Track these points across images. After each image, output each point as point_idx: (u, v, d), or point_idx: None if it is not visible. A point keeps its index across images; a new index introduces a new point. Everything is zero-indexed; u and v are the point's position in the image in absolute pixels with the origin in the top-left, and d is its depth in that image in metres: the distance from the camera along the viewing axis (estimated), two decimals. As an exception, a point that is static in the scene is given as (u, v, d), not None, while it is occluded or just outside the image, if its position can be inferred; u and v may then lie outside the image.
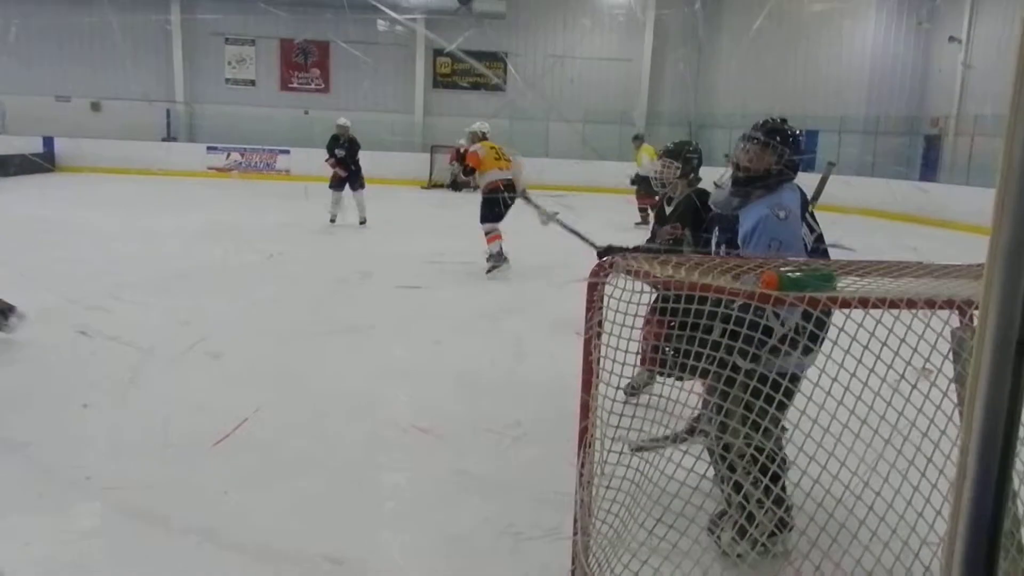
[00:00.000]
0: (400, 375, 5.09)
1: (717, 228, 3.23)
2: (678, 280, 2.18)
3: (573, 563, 2.35)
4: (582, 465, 2.26)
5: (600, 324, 2.32)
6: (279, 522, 3.13)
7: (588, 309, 2.28)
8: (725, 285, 2.12)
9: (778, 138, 2.96)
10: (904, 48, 19.08)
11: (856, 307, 2.05)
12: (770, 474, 2.29)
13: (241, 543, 2.96)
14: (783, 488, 2.53)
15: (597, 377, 2.31)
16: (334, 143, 12.01)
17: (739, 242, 2.90)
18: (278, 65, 22.16)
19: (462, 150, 17.62)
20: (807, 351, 2.37)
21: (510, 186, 8.23)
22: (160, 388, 4.66)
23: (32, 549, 2.80)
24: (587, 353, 2.29)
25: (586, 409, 2.30)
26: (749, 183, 2.96)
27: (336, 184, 11.99)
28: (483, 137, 8.79)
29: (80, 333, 5.51)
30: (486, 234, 8.38)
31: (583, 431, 2.28)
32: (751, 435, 2.23)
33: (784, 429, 2.40)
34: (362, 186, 12.07)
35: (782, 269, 2.19)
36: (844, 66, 19.43)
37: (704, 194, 4.22)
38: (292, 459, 3.73)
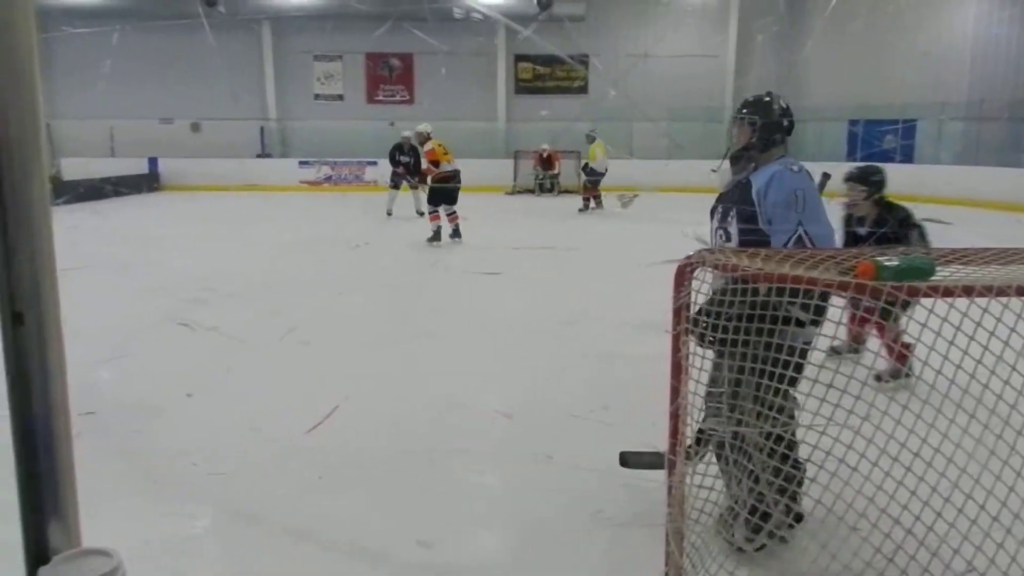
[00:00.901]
0: (484, 363, 5.25)
1: (720, 209, 3.06)
2: (767, 272, 2.12)
3: (667, 563, 2.31)
4: (672, 461, 2.22)
5: (688, 319, 2.28)
6: (369, 506, 3.23)
7: (676, 303, 2.24)
8: (818, 276, 2.05)
9: (751, 110, 2.98)
10: (1008, 28, 18.05)
11: (960, 295, 1.95)
12: (789, 462, 2.24)
13: (332, 526, 3.07)
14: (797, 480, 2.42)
15: (686, 373, 2.28)
16: (397, 151, 14.01)
17: (753, 199, 2.82)
18: (364, 79, 22.72)
19: (545, 154, 17.74)
20: (815, 324, 2.38)
21: (456, 176, 10.68)
22: (256, 377, 4.97)
23: (142, 532, 2.97)
24: (675, 348, 2.25)
25: (676, 408, 2.26)
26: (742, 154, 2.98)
27: (396, 183, 13.93)
28: (428, 136, 11.19)
29: (183, 325, 5.94)
30: (431, 213, 10.72)
31: (674, 427, 2.24)
32: (766, 420, 2.18)
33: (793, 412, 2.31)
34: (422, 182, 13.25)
35: (878, 258, 2.10)
36: (943, 50, 18.52)
37: (890, 206, 4.73)
38: (380, 445, 3.86)
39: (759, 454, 2.27)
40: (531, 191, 19.45)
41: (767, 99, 3.03)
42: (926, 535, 1.89)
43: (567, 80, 22.37)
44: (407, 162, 13.80)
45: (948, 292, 1.98)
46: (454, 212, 10.73)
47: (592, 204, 15.34)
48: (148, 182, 20.07)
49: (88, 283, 7.36)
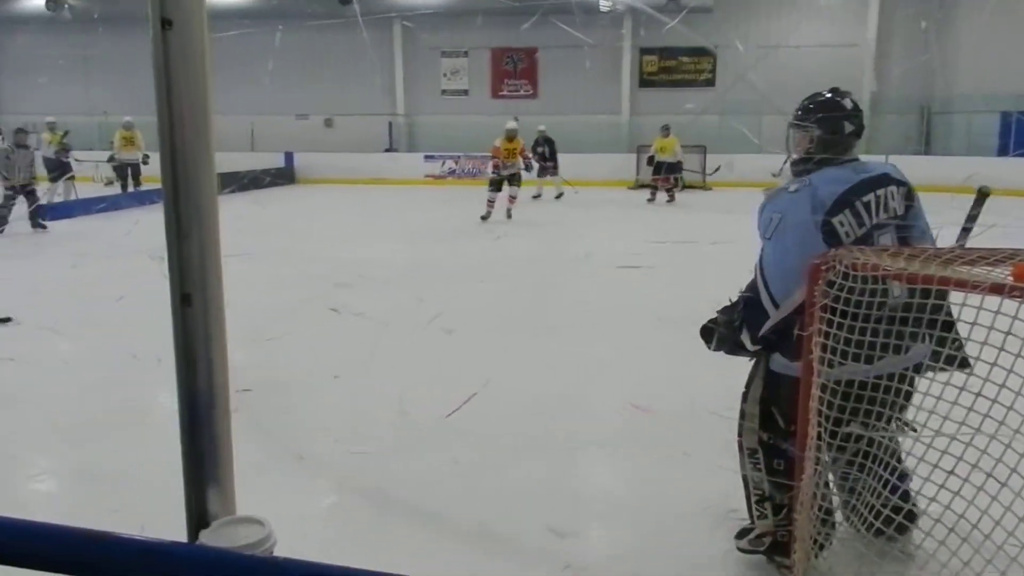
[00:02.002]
0: (622, 355, 5.30)
1: None
2: (911, 273, 2.02)
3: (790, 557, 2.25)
4: (801, 458, 2.17)
5: (823, 320, 2.21)
6: (503, 493, 3.31)
7: (809, 302, 2.18)
8: (967, 277, 1.94)
9: (813, 116, 2.62)
10: None
11: None
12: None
13: (467, 510, 3.16)
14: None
15: (817, 376, 2.21)
16: (535, 144, 15.68)
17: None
18: (489, 74, 23.05)
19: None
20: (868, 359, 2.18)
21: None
22: (399, 361, 5.19)
23: (287, 505, 3.15)
24: (807, 349, 2.18)
25: (805, 408, 2.20)
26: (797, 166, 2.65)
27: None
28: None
29: (332, 311, 6.29)
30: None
31: (803, 428, 2.18)
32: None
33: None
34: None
35: (1037, 260, 1.96)
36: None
37: None
38: (515, 433, 3.96)
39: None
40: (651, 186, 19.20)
41: (828, 99, 2.68)
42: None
43: (693, 73, 21.91)
44: (542, 152, 15.91)
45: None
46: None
47: (664, 196, 16.26)
48: (285, 175, 21.11)
49: (246, 269, 7.84)
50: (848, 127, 2.59)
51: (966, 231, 2.58)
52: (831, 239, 2.37)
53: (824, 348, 2.17)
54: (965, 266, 2.04)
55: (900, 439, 2.39)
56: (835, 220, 2.40)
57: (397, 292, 7.29)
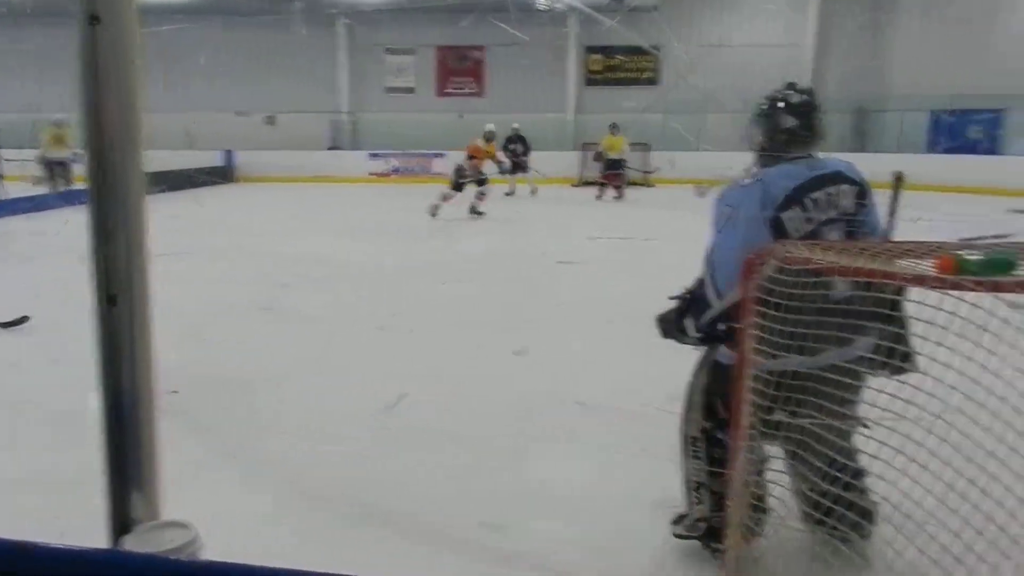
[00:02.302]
0: (565, 351, 5.29)
1: None
2: (841, 266, 2.08)
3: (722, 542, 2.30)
4: (735, 447, 2.21)
5: (757, 312, 2.25)
6: (437, 490, 3.31)
7: (743, 296, 2.22)
8: (893, 270, 2.00)
9: (765, 112, 2.66)
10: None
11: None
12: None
13: (409, 507, 3.15)
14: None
15: (750, 368, 2.25)
16: (509, 142, 16.44)
17: None
18: (435, 72, 22.97)
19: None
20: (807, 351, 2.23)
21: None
22: (336, 360, 5.12)
23: (219, 507, 3.06)
24: (742, 342, 2.23)
25: (738, 398, 2.24)
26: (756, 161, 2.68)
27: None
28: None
29: (267, 309, 6.19)
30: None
31: (736, 418, 2.22)
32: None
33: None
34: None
35: (960, 252, 2.04)
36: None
37: None
38: (449, 430, 3.93)
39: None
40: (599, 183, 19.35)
41: (778, 95, 2.69)
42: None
43: (637, 71, 22.15)
44: (514, 148, 16.60)
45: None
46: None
47: (607, 192, 16.47)
48: (223, 173, 20.69)
49: (184, 268, 7.67)
50: (792, 122, 2.59)
51: (891, 216, 2.64)
52: (779, 234, 2.41)
53: (760, 340, 2.21)
54: (893, 259, 2.10)
55: (854, 436, 2.45)
56: (784, 216, 2.44)
57: (340, 291, 7.24)
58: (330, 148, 22.68)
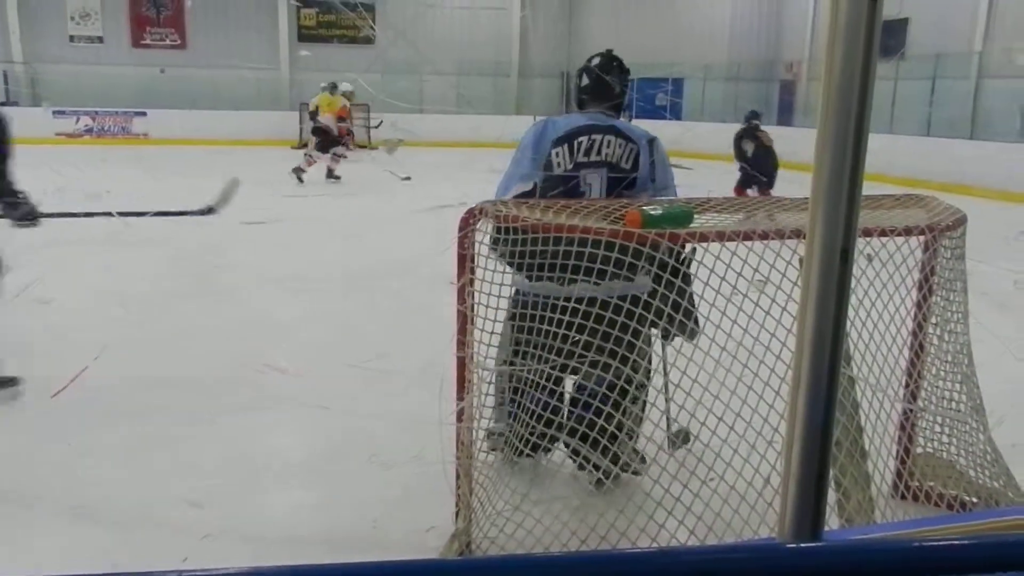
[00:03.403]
0: (257, 317, 5.07)
1: None
2: (546, 223, 2.22)
3: (457, 503, 2.39)
4: (460, 402, 2.30)
5: (472, 271, 2.34)
6: (130, 470, 3.05)
7: (460, 256, 2.29)
8: (591, 225, 2.18)
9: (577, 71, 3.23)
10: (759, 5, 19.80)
11: (714, 240, 2.15)
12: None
13: (92, 494, 2.87)
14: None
15: (471, 323, 2.34)
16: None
17: None
18: (128, 20, 20.70)
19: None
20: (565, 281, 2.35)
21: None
22: None
23: None
24: (460, 299, 2.30)
25: (462, 355, 2.32)
26: None
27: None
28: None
29: None
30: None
31: (460, 374, 2.30)
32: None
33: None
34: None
35: (644, 208, 2.26)
36: (707, 13, 20.00)
37: None
38: (139, 404, 3.61)
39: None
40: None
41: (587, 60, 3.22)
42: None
43: (352, 29, 21.68)
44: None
45: (704, 237, 2.19)
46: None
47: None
48: None
49: None
50: (585, 81, 3.10)
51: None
52: (547, 167, 2.89)
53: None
54: (590, 215, 2.29)
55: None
56: (554, 150, 2.90)
57: None
58: (2, 104, 19.60)
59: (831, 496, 1.88)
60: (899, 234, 2.16)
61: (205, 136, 17.43)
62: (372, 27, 21.49)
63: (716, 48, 19.63)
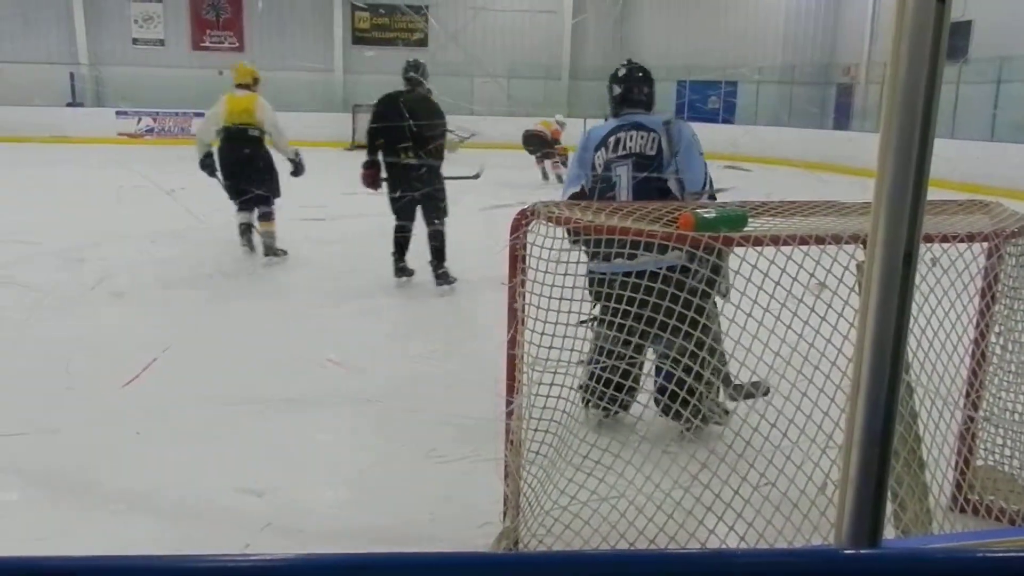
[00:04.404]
0: (316, 315, 5.15)
1: None
2: (598, 225, 2.22)
3: (505, 502, 2.40)
4: (511, 403, 2.31)
5: (524, 271, 2.35)
6: (195, 458, 3.12)
7: (512, 256, 2.30)
8: (644, 227, 2.17)
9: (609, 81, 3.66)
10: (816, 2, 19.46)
11: (768, 244, 2.12)
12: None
13: (158, 483, 2.93)
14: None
15: (523, 324, 2.35)
16: None
17: None
18: (188, 23, 21.25)
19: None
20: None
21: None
22: (59, 329, 4.62)
23: None
24: (511, 301, 2.32)
25: (512, 353, 2.34)
26: None
27: None
28: None
29: None
30: None
31: (510, 371, 2.32)
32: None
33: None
34: None
35: (698, 211, 2.25)
36: (760, 15, 19.72)
37: None
38: (202, 395, 3.70)
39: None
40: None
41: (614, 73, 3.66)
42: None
43: (406, 32, 21.90)
44: None
45: (758, 241, 2.16)
46: None
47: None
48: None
49: None
50: (616, 90, 3.58)
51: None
52: (592, 168, 3.42)
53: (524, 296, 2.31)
54: (642, 218, 2.28)
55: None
56: (595, 154, 3.42)
57: (58, 256, 6.49)
58: (69, 104, 20.24)
59: (887, 507, 1.84)
60: (962, 240, 2.11)
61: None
62: (425, 29, 21.67)
63: (770, 50, 19.36)
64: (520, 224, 2.33)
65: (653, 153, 3.31)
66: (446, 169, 5.76)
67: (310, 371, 4.07)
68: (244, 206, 6.51)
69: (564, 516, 2.26)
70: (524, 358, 2.30)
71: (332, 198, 9.35)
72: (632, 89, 3.55)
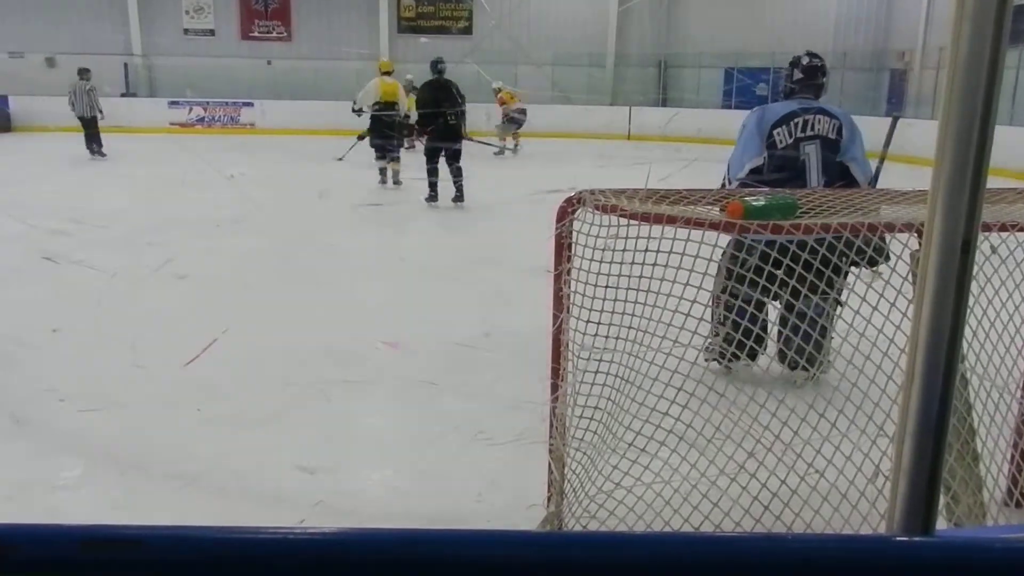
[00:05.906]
0: (370, 299, 5.27)
1: None
2: (645, 212, 2.21)
3: (549, 488, 2.42)
4: (556, 387, 2.32)
5: (570, 259, 2.35)
6: (252, 437, 3.21)
7: (557, 243, 2.31)
8: (692, 215, 2.16)
9: (788, 64, 3.98)
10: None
11: (819, 233, 2.10)
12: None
13: (215, 460, 3.02)
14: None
15: (567, 311, 2.36)
16: None
17: None
18: (237, 13, 21.56)
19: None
20: None
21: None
22: (128, 310, 4.82)
23: (10, 476, 2.85)
24: (557, 288, 2.32)
25: (557, 343, 2.35)
26: None
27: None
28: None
29: (47, 260, 5.69)
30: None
31: (555, 354, 2.33)
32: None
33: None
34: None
35: (747, 199, 2.23)
36: (810, 1, 19.31)
37: None
38: (261, 376, 3.82)
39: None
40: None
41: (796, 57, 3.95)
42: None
43: (451, 20, 21.92)
44: None
45: (808, 230, 2.13)
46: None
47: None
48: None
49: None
50: (797, 75, 3.87)
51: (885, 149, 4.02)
52: (770, 145, 3.65)
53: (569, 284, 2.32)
54: (690, 206, 2.27)
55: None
56: (775, 131, 3.66)
57: (125, 238, 6.80)
58: (123, 95, 20.71)
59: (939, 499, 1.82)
60: (1021, 229, 2.06)
61: (306, 126, 18.00)
62: (470, 17, 21.65)
63: (820, 37, 18.89)
64: (566, 212, 2.33)
65: (835, 138, 3.68)
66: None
67: (363, 354, 4.16)
68: (384, 155, 10.25)
69: (608, 503, 2.27)
70: (569, 345, 2.31)
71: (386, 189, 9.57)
72: (816, 75, 3.85)
